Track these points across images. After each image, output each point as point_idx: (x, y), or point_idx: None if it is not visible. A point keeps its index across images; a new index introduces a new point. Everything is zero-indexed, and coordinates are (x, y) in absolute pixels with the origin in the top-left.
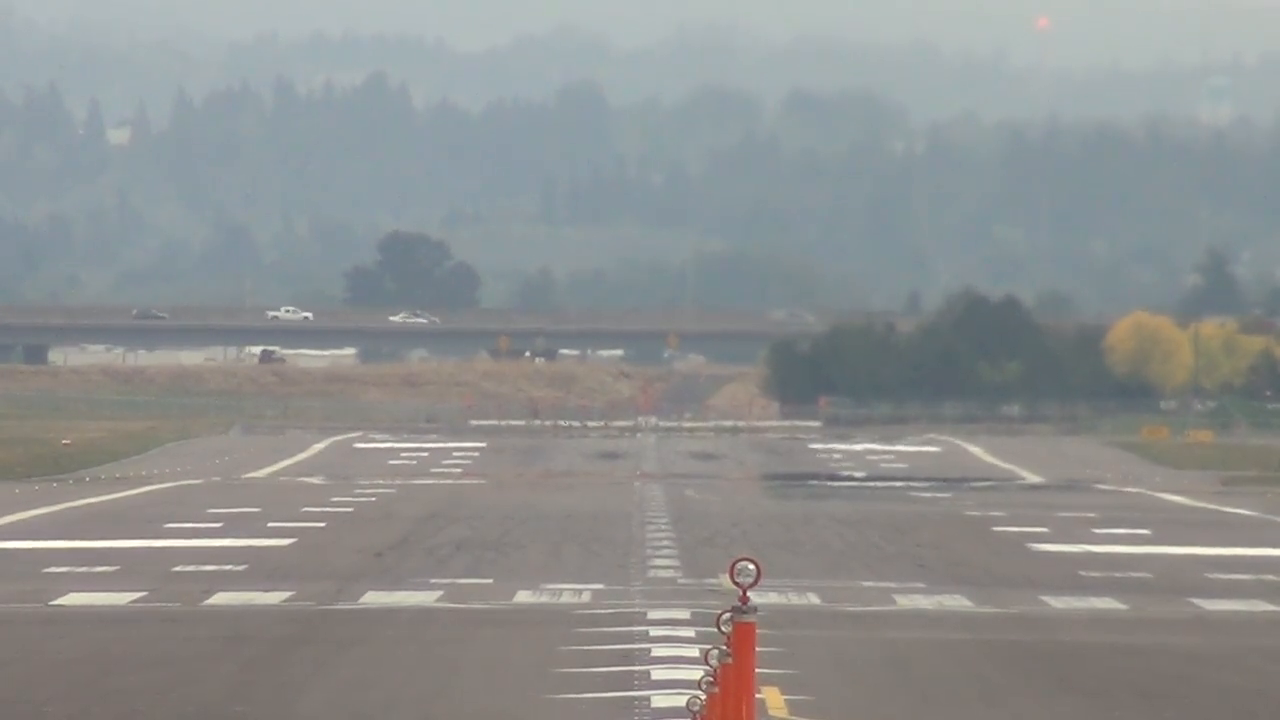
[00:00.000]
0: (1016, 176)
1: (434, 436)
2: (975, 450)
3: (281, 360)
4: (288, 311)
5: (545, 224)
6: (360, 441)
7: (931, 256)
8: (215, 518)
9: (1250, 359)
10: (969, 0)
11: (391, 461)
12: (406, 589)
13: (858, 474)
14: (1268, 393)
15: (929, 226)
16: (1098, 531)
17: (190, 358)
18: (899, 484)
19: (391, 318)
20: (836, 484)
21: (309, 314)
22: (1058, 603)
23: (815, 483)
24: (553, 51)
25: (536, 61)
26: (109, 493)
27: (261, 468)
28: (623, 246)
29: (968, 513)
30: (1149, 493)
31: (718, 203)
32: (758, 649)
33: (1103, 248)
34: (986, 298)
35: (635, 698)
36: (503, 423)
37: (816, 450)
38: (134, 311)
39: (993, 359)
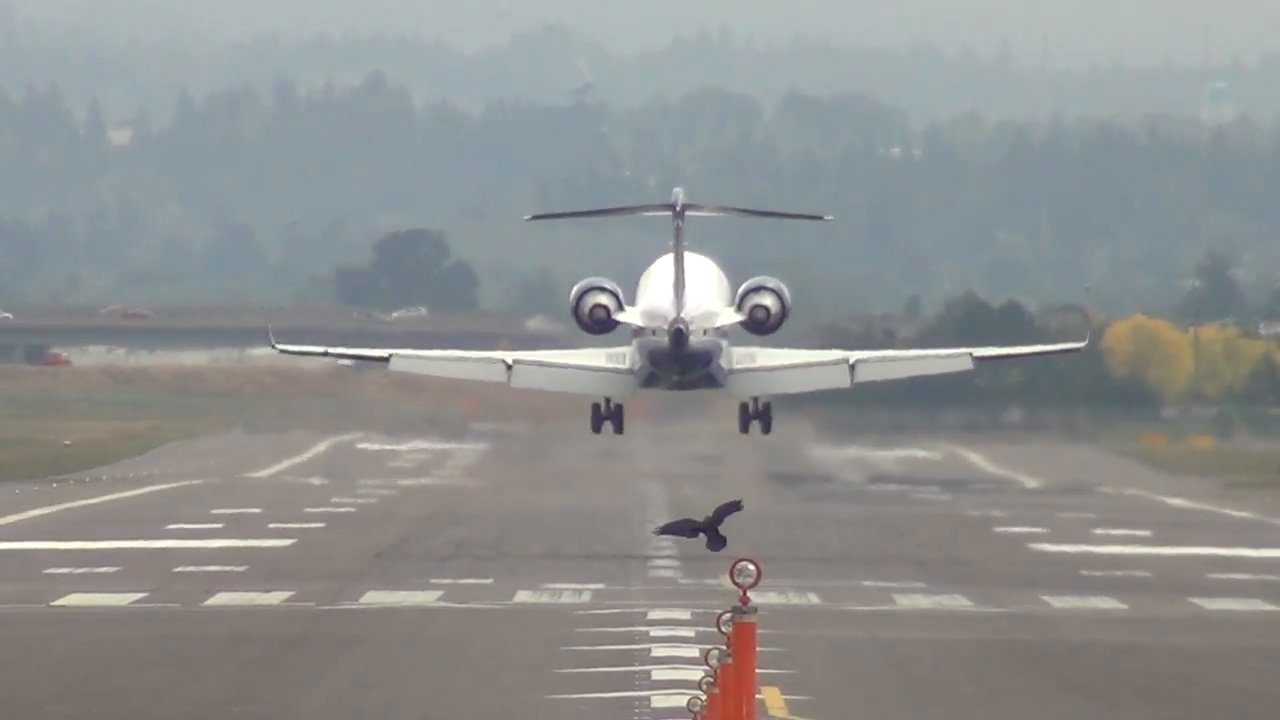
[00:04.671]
0: (1017, 180)
1: (436, 437)
2: (975, 458)
3: None
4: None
5: (543, 225)
6: (362, 442)
7: (931, 261)
8: (216, 518)
9: (1252, 364)
10: (969, 2)
11: (393, 462)
12: (407, 589)
13: (856, 477)
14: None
15: (929, 230)
16: (1098, 532)
17: (192, 358)
18: (898, 487)
19: (391, 314)
20: (836, 485)
21: (9, 314)
22: (1058, 602)
23: (814, 483)
24: (550, 53)
25: (534, 63)
26: (110, 493)
27: (263, 468)
28: (621, 248)
29: (968, 513)
30: (1149, 495)
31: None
32: (758, 649)
33: (1104, 252)
34: (987, 303)
35: (635, 698)
36: (505, 425)
37: (815, 453)
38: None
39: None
